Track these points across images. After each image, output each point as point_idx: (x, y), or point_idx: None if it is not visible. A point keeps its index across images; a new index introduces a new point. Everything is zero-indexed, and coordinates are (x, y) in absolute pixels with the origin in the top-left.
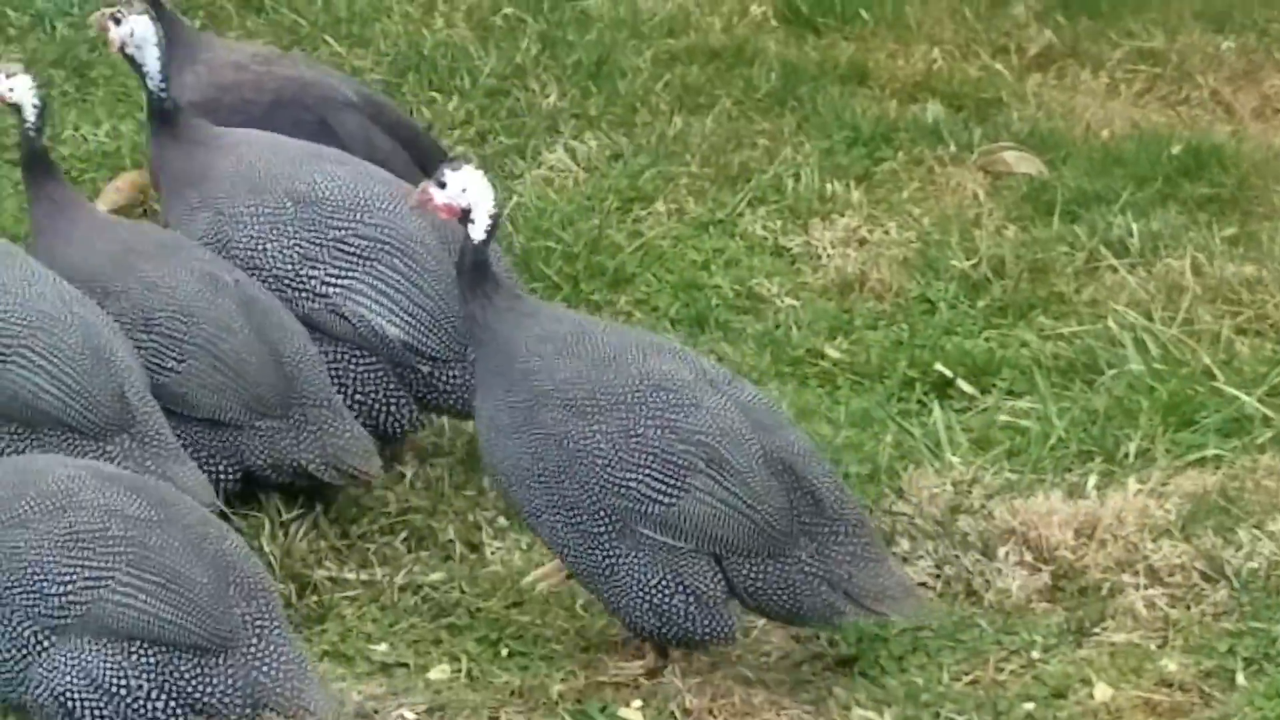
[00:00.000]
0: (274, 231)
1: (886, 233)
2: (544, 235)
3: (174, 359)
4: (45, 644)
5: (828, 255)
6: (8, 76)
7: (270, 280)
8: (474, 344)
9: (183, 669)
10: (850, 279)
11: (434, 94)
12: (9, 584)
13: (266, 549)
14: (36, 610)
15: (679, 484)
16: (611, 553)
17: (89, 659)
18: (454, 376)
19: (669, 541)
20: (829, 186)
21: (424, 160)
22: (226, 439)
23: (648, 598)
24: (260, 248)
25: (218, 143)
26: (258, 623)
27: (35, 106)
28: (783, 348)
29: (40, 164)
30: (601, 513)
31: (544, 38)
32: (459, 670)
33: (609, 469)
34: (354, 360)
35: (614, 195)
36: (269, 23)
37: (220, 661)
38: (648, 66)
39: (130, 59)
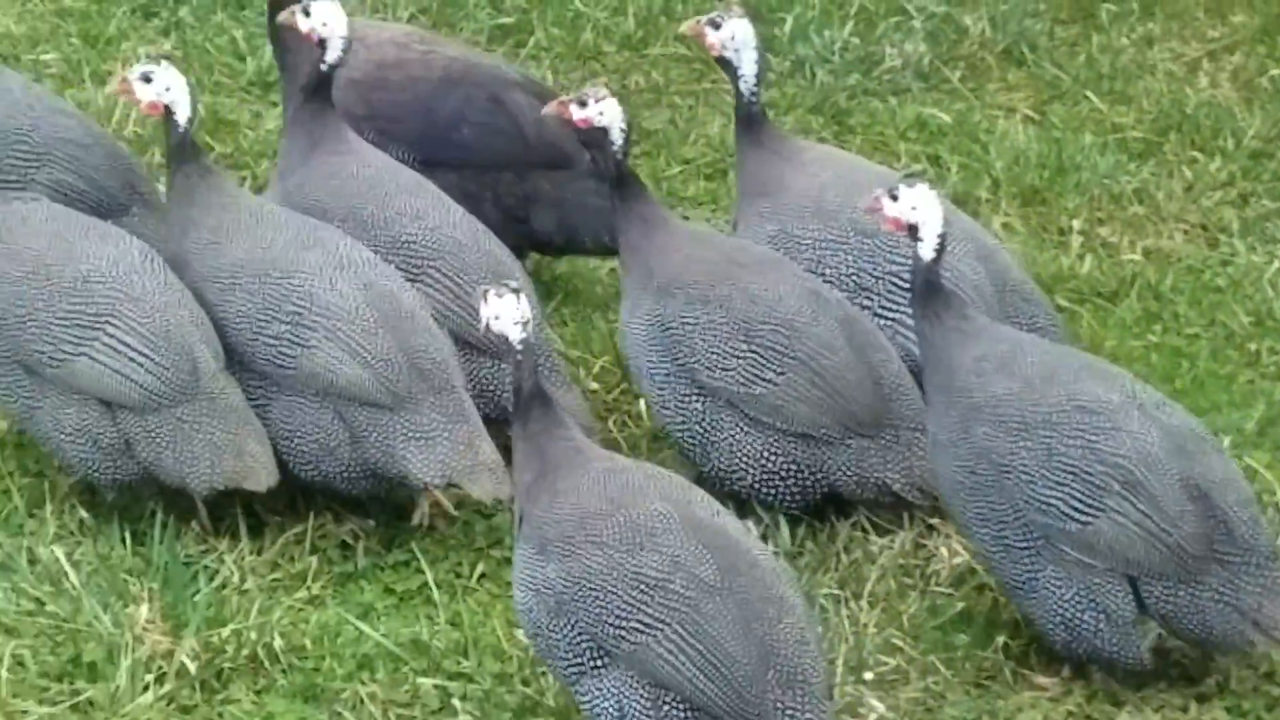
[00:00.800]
0: (833, 259)
1: None
2: None
3: (773, 371)
4: (597, 663)
5: None
6: (596, 101)
7: None
8: (923, 361)
9: None
10: None
11: (1195, 154)
12: (576, 597)
13: None
14: (594, 630)
15: (1095, 504)
16: (1031, 567)
17: (627, 692)
18: None
19: (1084, 560)
20: None
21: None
22: (817, 454)
23: (1060, 612)
24: (818, 272)
25: (798, 158)
26: (789, 712)
27: (622, 130)
28: None
29: (627, 182)
30: (1024, 528)
31: None
32: None
33: (1031, 486)
34: None
35: None
36: (1029, 75)
37: None
38: None
39: (725, 62)
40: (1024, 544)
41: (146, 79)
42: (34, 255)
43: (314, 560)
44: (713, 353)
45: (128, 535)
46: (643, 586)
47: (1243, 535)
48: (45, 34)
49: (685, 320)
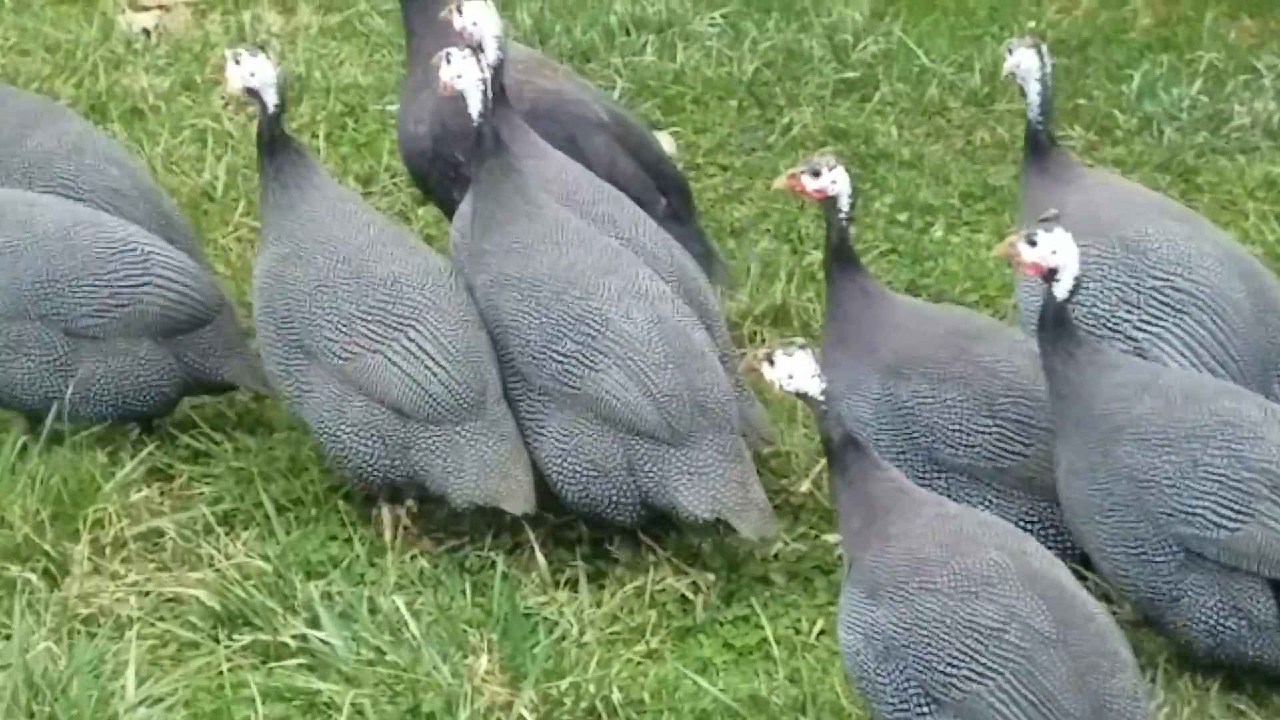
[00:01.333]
0: (1099, 272)
1: None
2: None
3: (1021, 443)
4: (924, 709)
5: None
6: (829, 170)
7: (1088, 317)
8: (1053, 397)
9: None
10: None
11: None
12: (907, 642)
13: None
14: (924, 677)
15: (1245, 509)
16: (1172, 579)
17: None
18: None
19: (1231, 566)
20: None
21: (663, 184)
22: (1049, 516)
23: (1205, 620)
24: (1085, 286)
25: (1079, 182)
26: None
27: (849, 199)
28: None
29: (847, 253)
30: (1164, 541)
31: None
32: None
33: (1177, 497)
34: None
35: None
36: None
37: None
38: None
39: (1021, 89)
40: (1164, 558)
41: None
42: (348, 248)
43: (653, 614)
44: (955, 430)
45: (468, 586)
46: (976, 635)
47: None
48: (391, 85)
49: (922, 400)
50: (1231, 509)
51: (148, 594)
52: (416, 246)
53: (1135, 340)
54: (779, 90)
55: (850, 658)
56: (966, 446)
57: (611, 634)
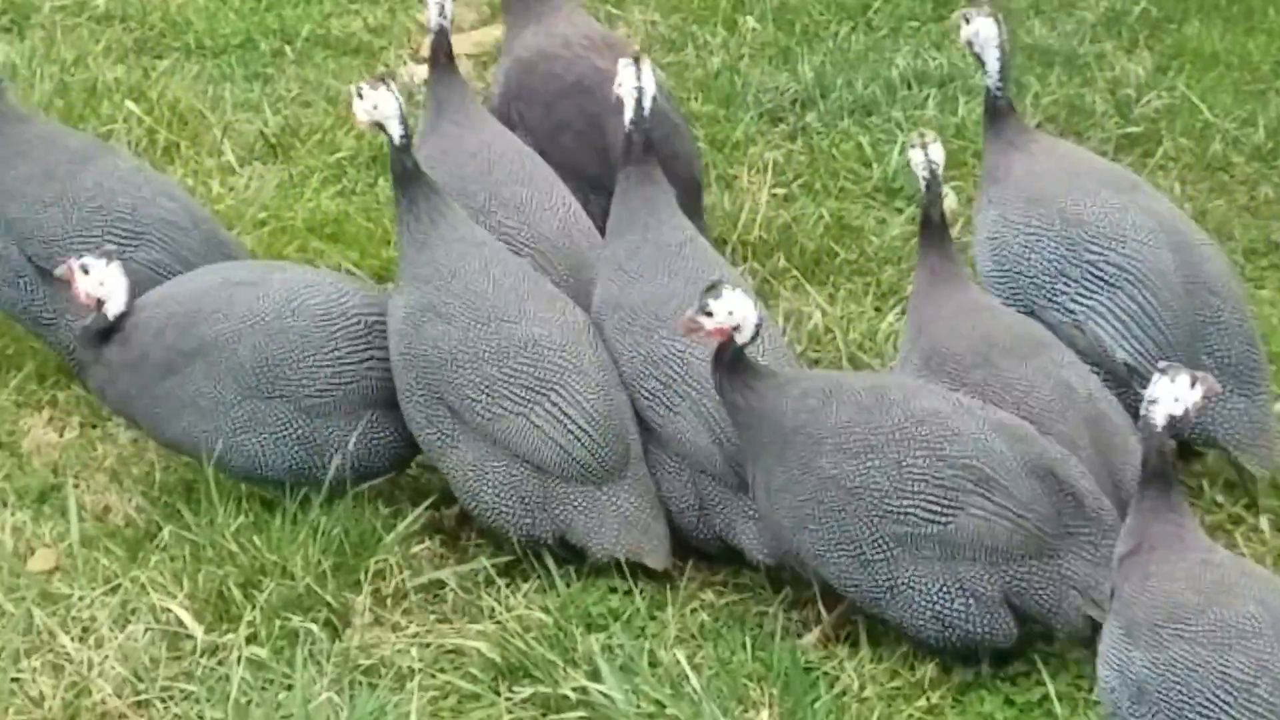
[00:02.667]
0: (1040, 244)
1: None
2: None
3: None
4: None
5: None
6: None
7: (1031, 289)
8: (738, 429)
9: None
10: None
11: None
12: (1161, 688)
13: None
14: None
15: (954, 504)
16: (892, 575)
17: None
18: None
19: (948, 556)
20: None
21: (682, 171)
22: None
23: (930, 607)
24: (1028, 257)
25: (1028, 149)
26: None
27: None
28: None
29: (936, 233)
30: (882, 540)
31: None
32: None
33: (887, 501)
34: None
35: None
36: None
37: None
38: None
39: (978, 57)
40: (881, 555)
41: (359, 94)
42: (487, 306)
43: (933, 668)
44: None
45: (748, 640)
46: (1228, 687)
47: (1091, 505)
48: None
49: None
50: (940, 505)
51: (429, 645)
52: (555, 299)
53: (1073, 313)
54: None
55: (1105, 694)
56: None
57: (892, 689)
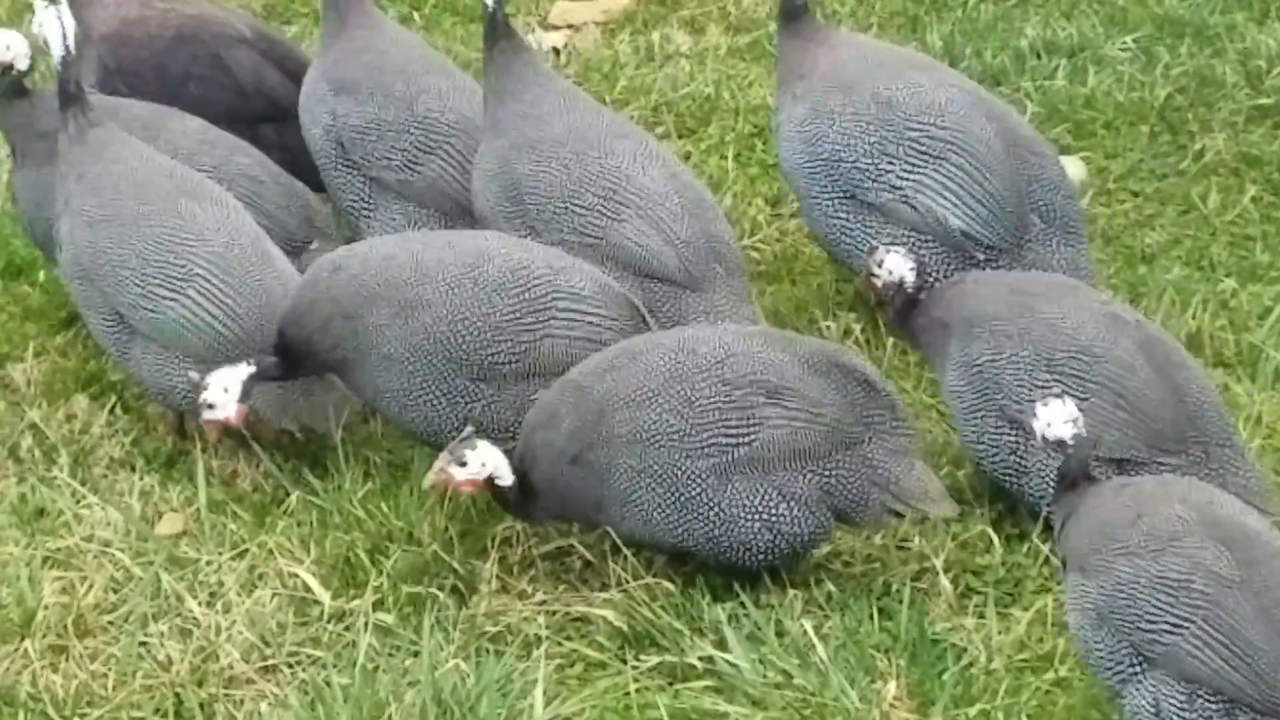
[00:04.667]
0: (857, 129)
1: None
2: None
3: (1078, 396)
4: (1136, 669)
5: None
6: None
7: (853, 173)
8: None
9: None
10: None
11: None
12: (1112, 609)
13: None
14: (1130, 638)
15: (754, 421)
16: (715, 503)
17: (1163, 694)
18: (1010, 265)
19: (764, 470)
20: None
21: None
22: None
23: (759, 517)
24: (847, 143)
25: (828, 43)
26: None
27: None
28: None
29: None
30: (699, 475)
31: None
32: None
33: (689, 436)
34: (919, 245)
35: None
36: None
37: None
38: None
39: None
40: (697, 488)
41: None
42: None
43: (1061, 641)
44: (1020, 386)
45: (875, 610)
46: (1165, 590)
47: (881, 389)
48: None
49: (991, 359)
50: (742, 426)
51: (555, 613)
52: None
53: (900, 189)
54: (1191, 116)
55: (1077, 643)
56: (1028, 402)
57: (1020, 661)
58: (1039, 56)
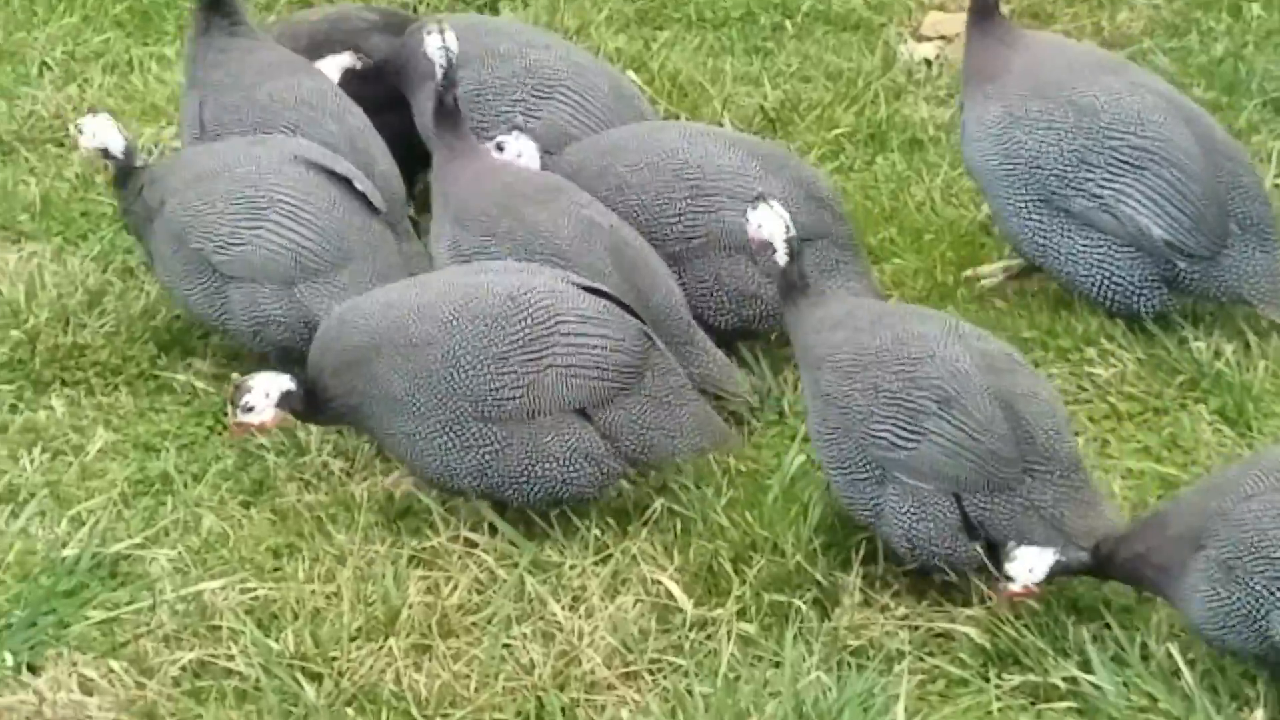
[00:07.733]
0: (1054, 136)
1: None
2: None
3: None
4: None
5: None
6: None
7: (1051, 180)
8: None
9: None
10: None
11: None
12: (1239, 553)
13: None
14: (1266, 574)
15: (919, 429)
16: (876, 495)
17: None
18: (1207, 272)
19: (918, 484)
20: None
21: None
22: None
23: (900, 526)
24: (1043, 149)
25: (1020, 44)
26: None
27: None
28: None
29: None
30: (866, 464)
31: None
32: None
33: (865, 423)
34: (1119, 253)
35: None
36: None
37: None
38: None
39: None
40: (865, 476)
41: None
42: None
43: None
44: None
45: None
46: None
47: (1042, 443)
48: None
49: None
50: (907, 430)
51: (917, 628)
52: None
53: (1101, 198)
54: None
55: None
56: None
57: None
58: None
